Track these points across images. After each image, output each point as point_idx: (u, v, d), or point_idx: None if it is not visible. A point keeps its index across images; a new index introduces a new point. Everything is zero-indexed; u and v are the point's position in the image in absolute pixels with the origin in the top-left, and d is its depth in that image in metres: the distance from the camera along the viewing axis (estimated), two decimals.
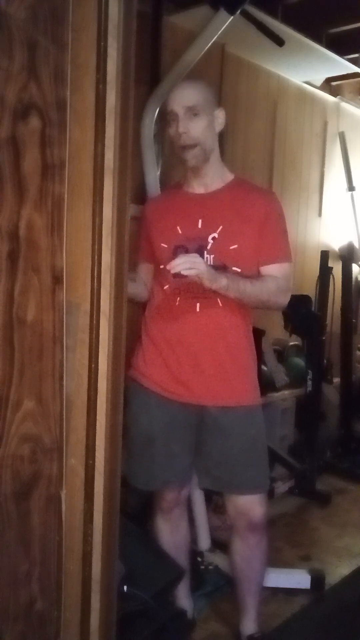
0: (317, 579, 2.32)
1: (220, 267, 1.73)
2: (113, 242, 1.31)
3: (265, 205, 1.81)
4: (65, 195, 1.30)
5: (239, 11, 2.33)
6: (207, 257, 1.75)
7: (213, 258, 1.75)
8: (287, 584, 2.30)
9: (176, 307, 1.78)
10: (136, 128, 2.50)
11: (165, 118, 1.81)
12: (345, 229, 4.09)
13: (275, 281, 1.78)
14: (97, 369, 1.33)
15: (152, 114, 2.57)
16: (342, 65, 3.32)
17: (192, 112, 1.73)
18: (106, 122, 1.27)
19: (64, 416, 1.37)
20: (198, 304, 1.76)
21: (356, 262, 3.81)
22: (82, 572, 1.39)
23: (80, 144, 1.29)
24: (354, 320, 3.77)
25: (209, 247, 1.75)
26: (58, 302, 1.32)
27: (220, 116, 1.80)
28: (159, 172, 2.67)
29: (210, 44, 2.45)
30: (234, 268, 1.75)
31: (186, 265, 1.58)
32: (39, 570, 1.37)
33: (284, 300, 1.82)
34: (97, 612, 1.39)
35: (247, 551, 1.91)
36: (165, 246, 1.81)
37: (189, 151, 1.75)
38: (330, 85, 3.98)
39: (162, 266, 1.80)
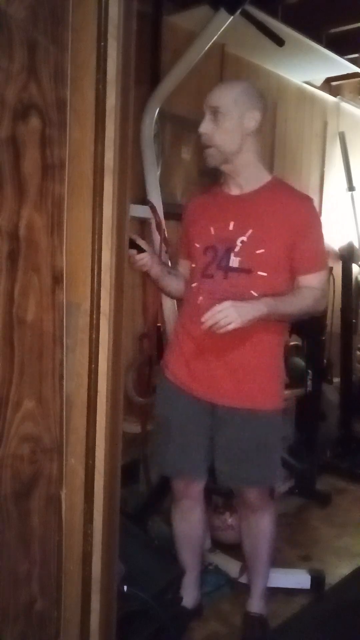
0: (317, 579, 2.32)
1: (245, 271, 1.75)
2: (113, 242, 1.31)
3: (301, 212, 1.80)
4: (65, 195, 1.30)
5: (239, 11, 2.34)
6: (233, 259, 1.77)
7: (239, 261, 1.76)
8: (287, 584, 2.30)
9: (197, 305, 1.81)
10: (136, 128, 2.51)
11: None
12: (345, 229, 4.09)
13: (312, 293, 1.79)
14: (97, 369, 1.33)
15: (152, 114, 2.58)
16: (342, 65, 3.32)
17: (215, 112, 1.75)
18: (106, 122, 1.27)
19: (64, 416, 1.37)
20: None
21: (356, 262, 3.81)
22: (82, 572, 1.39)
23: (80, 144, 1.29)
24: (354, 320, 3.77)
25: (236, 250, 1.77)
26: (58, 302, 1.32)
27: (250, 117, 1.77)
28: (159, 172, 2.67)
29: (210, 44, 2.46)
30: (259, 272, 1.76)
31: (215, 320, 1.61)
32: (39, 570, 1.37)
33: (321, 307, 1.87)
34: (97, 612, 1.39)
35: (249, 529, 2.04)
36: (198, 246, 1.85)
37: (205, 150, 1.80)
38: (330, 85, 3.98)
39: (193, 265, 1.87)
